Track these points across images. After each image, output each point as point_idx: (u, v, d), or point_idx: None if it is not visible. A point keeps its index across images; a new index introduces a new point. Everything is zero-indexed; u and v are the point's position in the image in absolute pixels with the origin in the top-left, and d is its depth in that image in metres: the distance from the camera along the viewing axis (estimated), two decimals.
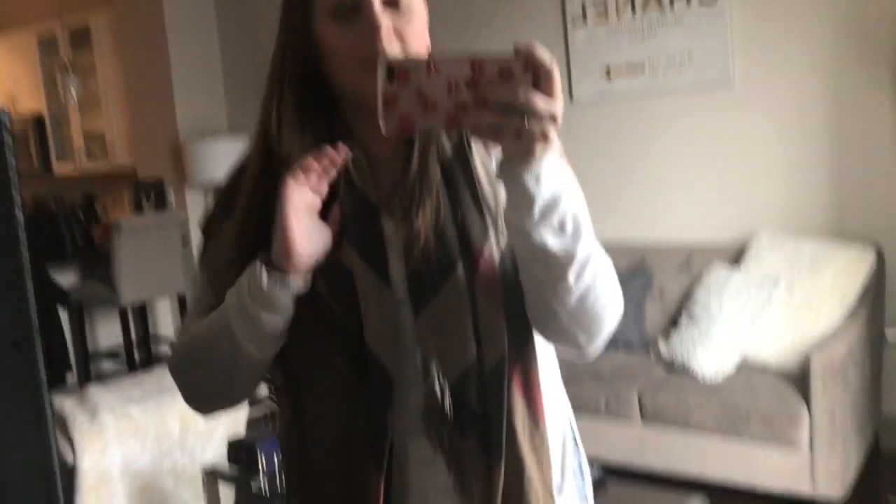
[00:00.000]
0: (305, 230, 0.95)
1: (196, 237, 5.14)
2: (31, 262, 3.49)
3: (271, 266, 0.96)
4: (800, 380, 2.93)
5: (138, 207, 5.44)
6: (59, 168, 6.22)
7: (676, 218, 3.82)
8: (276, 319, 0.97)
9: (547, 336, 1.03)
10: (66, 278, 5.00)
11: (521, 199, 0.88)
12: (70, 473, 2.86)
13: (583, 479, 1.17)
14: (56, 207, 5.40)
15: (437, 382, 0.99)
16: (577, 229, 0.91)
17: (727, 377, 3.05)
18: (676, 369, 3.21)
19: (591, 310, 0.97)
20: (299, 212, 0.94)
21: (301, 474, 1.07)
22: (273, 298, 0.96)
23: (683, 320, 3.33)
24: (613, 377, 3.20)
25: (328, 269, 0.99)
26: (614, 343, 3.52)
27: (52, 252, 4.91)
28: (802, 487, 2.80)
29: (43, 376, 0.77)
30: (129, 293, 4.71)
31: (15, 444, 0.77)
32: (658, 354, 3.34)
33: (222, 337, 1.00)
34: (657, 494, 2.51)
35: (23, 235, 0.76)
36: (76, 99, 5.65)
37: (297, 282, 0.96)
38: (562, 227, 0.89)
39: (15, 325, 0.78)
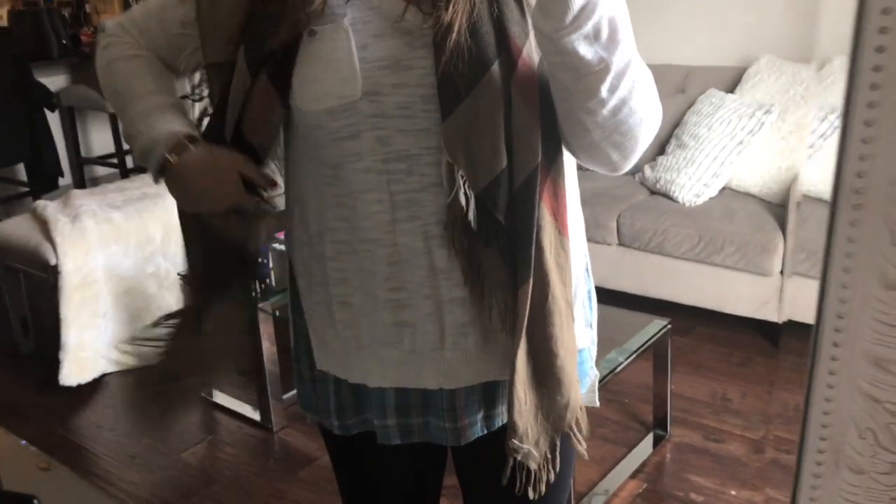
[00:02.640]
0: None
1: None
2: (12, 61, 3.37)
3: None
4: (781, 208, 2.91)
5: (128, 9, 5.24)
6: None
7: (675, 40, 3.66)
8: None
9: (577, 154, 0.96)
10: (53, 82, 4.90)
11: (552, 2, 0.78)
12: (54, 274, 2.93)
13: (591, 307, 1.15)
14: (43, 6, 5.21)
15: (462, 190, 0.93)
16: (612, 37, 0.82)
17: (707, 203, 3.03)
18: (658, 194, 3.18)
19: (624, 125, 0.90)
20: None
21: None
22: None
23: (671, 145, 3.26)
24: (594, 200, 3.18)
25: None
26: None
27: (37, 54, 4.78)
28: (769, 314, 2.85)
29: None
30: None
31: None
32: (643, 179, 3.31)
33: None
34: (623, 313, 2.55)
35: None
36: None
37: None
38: (596, 35, 0.80)
39: None
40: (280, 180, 1.02)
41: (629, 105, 0.88)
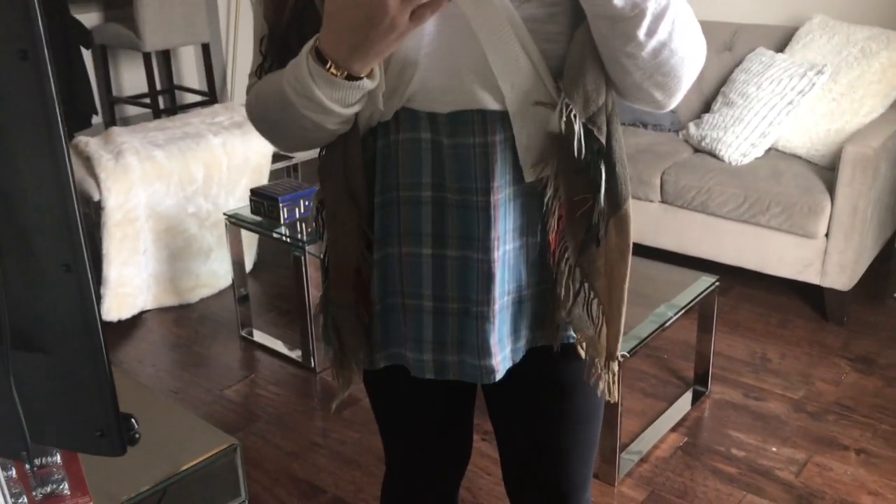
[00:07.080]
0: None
1: None
2: None
3: (338, 67, 0.88)
4: (828, 171, 2.88)
5: None
6: None
7: None
8: (354, 109, 0.95)
9: (620, 93, 0.98)
10: (87, 19, 4.86)
11: None
12: (97, 210, 2.94)
13: None
14: None
15: (572, 118, 0.94)
16: None
17: (753, 163, 3.00)
18: (703, 152, 3.15)
19: (665, 65, 0.91)
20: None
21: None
22: (349, 99, 0.92)
23: (718, 103, 3.23)
24: (637, 157, 3.15)
25: None
26: (643, 123, 3.45)
27: None
28: (811, 276, 2.84)
29: (54, 88, 0.72)
30: (152, 38, 4.60)
31: (26, 161, 0.73)
32: (687, 136, 3.28)
33: (293, 113, 0.95)
34: (669, 269, 2.54)
35: None
36: None
37: (372, 81, 0.91)
38: None
39: (22, 34, 0.72)
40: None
41: (669, 47, 0.89)
